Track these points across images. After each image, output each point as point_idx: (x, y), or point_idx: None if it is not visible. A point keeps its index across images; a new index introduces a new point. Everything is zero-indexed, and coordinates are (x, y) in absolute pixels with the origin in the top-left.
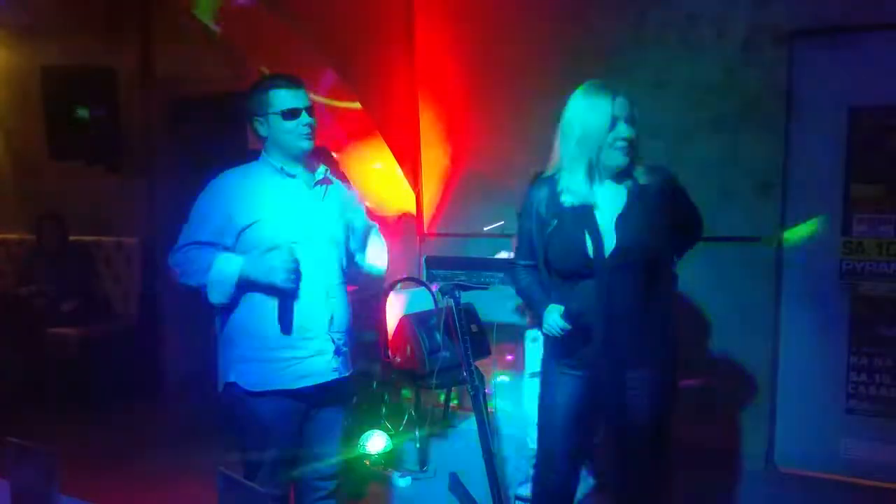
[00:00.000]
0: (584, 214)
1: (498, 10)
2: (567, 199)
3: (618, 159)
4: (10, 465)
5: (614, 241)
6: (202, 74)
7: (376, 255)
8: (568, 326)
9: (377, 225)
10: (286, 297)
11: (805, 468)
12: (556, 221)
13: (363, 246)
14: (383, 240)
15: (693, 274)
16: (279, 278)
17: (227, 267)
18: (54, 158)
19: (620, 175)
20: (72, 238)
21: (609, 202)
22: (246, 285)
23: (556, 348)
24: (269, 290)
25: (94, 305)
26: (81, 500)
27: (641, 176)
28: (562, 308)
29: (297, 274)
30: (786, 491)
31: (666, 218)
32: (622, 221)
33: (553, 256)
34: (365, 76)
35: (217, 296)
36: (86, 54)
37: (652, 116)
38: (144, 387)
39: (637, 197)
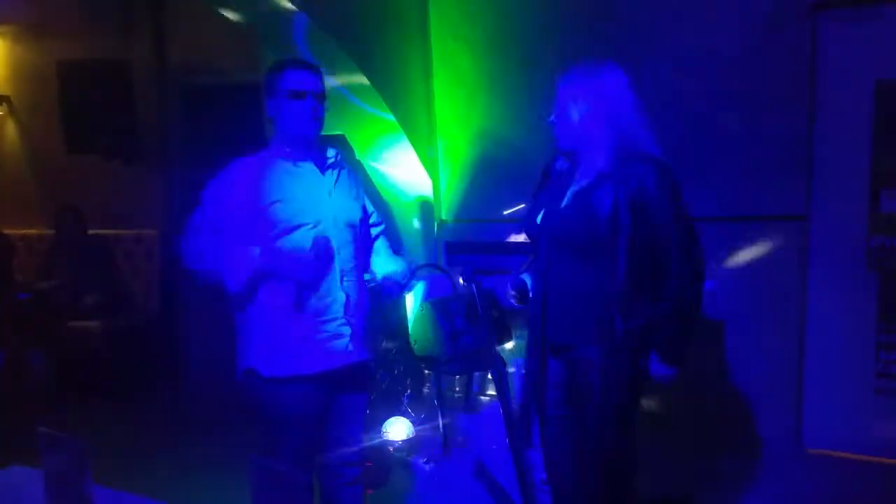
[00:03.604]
0: (557, 189)
1: None
2: (551, 175)
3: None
4: (42, 455)
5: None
6: (217, 64)
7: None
8: (512, 299)
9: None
10: (301, 280)
11: (833, 449)
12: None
13: (378, 247)
14: (400, 259)
15: (717, 253)
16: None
17: (244, 255)
18: (71, 152)
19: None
20: (91, 232)
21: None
22: (262, 276)
23: (526, 321)
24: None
25: (116, 298)
26: (113, 489)
27: (617, 164)
28: (514, 280)
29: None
30: (814, 472)
31: (608, 211)
32: (571, 199)
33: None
34: (379, 61)
35: (232, 284)
36: (100, 48)
37: (674, 93)
38: (168, 377)
39: (597, 179)
